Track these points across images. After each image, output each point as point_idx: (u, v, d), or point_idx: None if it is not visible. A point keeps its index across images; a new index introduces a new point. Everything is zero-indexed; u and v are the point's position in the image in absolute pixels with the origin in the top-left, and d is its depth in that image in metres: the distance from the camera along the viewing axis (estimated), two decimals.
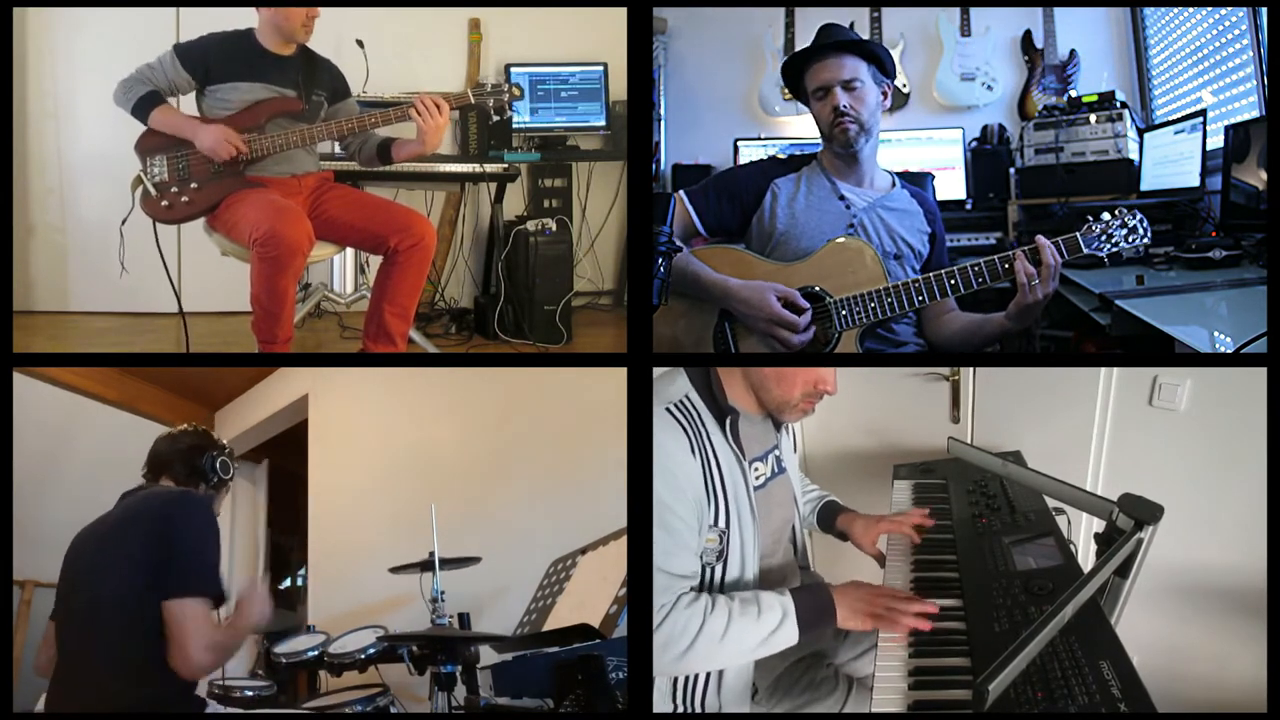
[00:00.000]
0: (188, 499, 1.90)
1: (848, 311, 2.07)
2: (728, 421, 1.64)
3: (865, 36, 4.05)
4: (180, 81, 2.66)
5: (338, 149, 3.20)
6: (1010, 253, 1.96)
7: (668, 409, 1.60)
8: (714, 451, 1.61)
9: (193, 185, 2.66)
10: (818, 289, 2.09)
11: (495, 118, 2.82)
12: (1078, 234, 1.96)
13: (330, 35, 2.81)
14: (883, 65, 2.14)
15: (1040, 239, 1.94)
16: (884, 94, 2.16)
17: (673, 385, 1.66)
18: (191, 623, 1.73)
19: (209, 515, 1.89)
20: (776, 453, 1.83)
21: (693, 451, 1.57)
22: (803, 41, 4.15)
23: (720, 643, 1.49)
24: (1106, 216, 1.95)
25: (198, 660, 1.74)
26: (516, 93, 2.78)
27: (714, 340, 2.16)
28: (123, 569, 1.79)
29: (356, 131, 2.76)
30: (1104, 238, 1.95)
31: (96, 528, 1.91)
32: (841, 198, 2.18)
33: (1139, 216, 1.95)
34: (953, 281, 2.01)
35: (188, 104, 2.75)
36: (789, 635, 1.52)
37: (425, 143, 2.71)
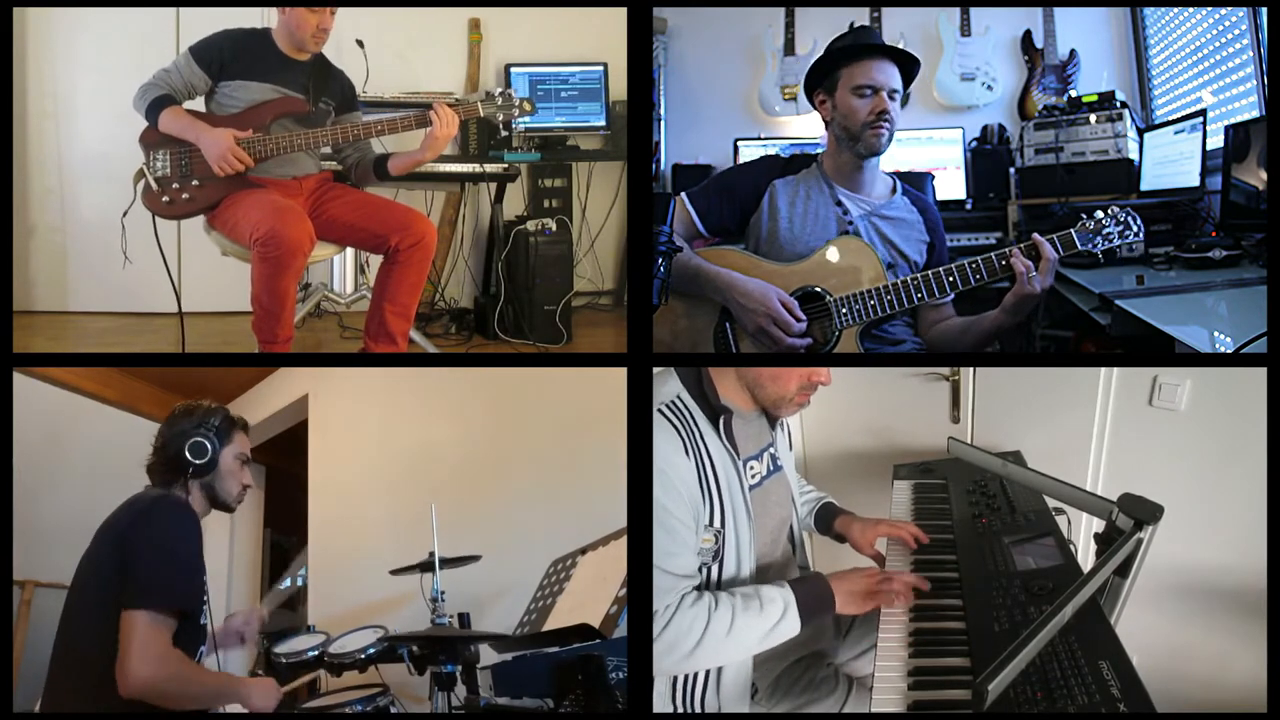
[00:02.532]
0: (155, 507, 1.81)
1: (848, 310, 2.07)
2: (721, 420, 1.64)
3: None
4: (196, 80, 2.66)
5: None
6: (1007, 249, 1.97)
7: (659, 410, 1.61)
8: (708, 451, 1.61)
9: (194, 182, 2.66)
10: (818, 288, 2.10)
11: (504, 133, 2.82)
12: (1071, 230, 1.98)
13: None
14: (908, 84, 2.16)
15: (1037, 236, 1.97)
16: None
17: (664, 386, 1.67)
18: (136, 635, 1.62)
19: (175, 522, 1.78)
20: (772, 450, 1.83)
21: (686, 452, 1.58)
22: (803, 41, 4.15)
23: (726, 639, 1.51)
24: (1099, 214, 1.98)
25: (135, 673, 1.60)
26: (528, 108, 2.79)
27: (715, 340, 2.16)
28: (91, 578, 1.77)
29: (361, 138, 2.77)
30: (1098, 234, 1.97)
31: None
32: (839, 203, 2.17)
33: (1131, 213, 1.98)
34: (951, 279, 2.02)
35: (197, 100, 2.74)
36: (791, 626, 1.55)
37: (430, 149, 2.72)
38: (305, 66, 2.75)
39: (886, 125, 2.09)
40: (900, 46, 2.14)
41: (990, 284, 2.03)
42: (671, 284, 2.03)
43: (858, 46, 2.13)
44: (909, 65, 2.13)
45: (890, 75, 2.10)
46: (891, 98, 2.09)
